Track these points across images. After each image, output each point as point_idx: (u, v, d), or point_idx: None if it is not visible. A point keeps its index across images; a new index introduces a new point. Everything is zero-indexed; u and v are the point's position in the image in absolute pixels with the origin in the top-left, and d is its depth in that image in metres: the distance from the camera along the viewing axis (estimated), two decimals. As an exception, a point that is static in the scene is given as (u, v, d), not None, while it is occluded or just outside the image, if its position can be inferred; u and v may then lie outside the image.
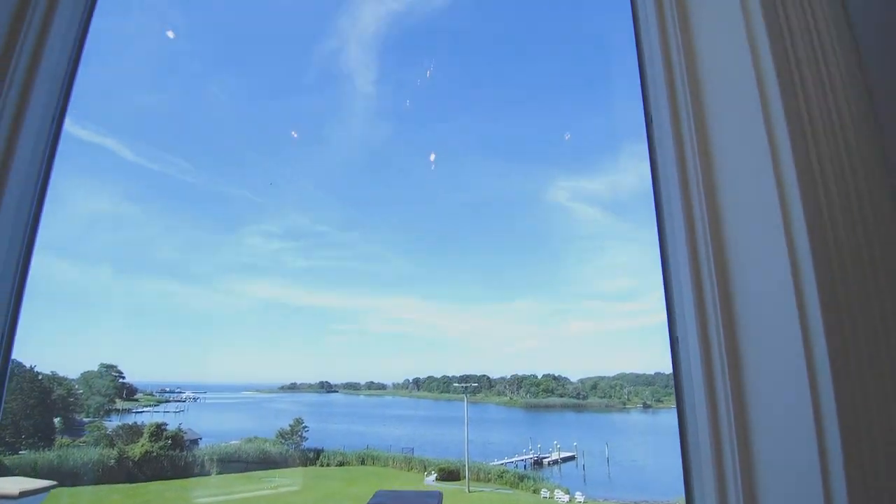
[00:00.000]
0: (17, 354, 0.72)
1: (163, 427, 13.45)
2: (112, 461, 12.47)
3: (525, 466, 16.33)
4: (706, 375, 0.67)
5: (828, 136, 0.60)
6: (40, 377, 15.24)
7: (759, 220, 0.63)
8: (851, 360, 0.51)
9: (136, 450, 12.76)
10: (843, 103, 0.60)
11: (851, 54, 0.63)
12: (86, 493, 12.01)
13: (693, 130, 0.74)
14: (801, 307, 0.55)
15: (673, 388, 0.79)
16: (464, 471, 14.12)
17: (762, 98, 0.62)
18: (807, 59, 0.62)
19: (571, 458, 17.49)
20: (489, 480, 14.09)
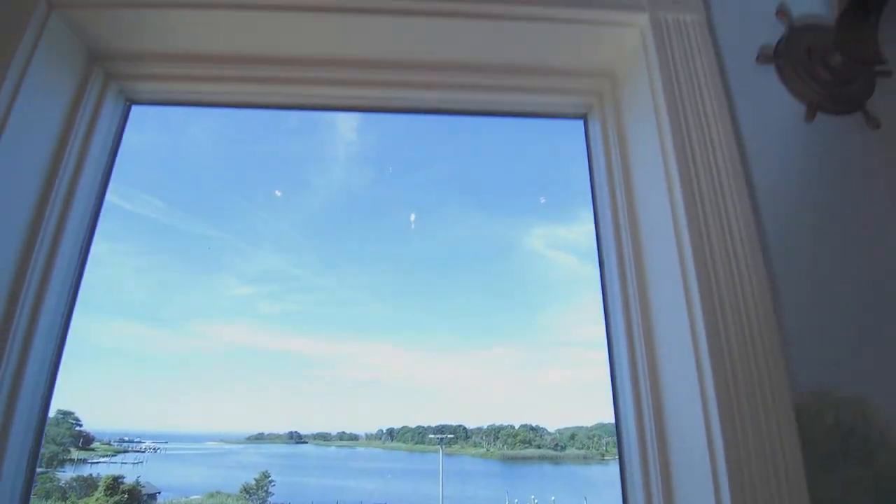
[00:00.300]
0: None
1: (119, 480, 12.71)
2: (63, 517, 11.64)
3: (501, 523, 15.80)
4: (639, 437, 0.82)
5: (724, 265, 0.77)
6: (-10, 425, 14.28)
7: (677, 344, 0.79)
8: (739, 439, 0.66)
9: (90, 505, 11.99)
10: (745, 271, 0.78)
11: (754, 229, 0.80)
12: (29, 554, 11.07)
13: (633, 273, 0.91)
14: (705, 411, 0.70)
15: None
16: (437, 528, 13.58)
17: (679, 253, 0.79)
18: (714, 227, 0.79)
19: (548, 514, 17.04)
20: (464, 539, 13.56)
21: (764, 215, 0.84)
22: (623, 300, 0.94)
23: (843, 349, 0.78)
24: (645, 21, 0.92)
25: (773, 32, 0.97)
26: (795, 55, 0.93)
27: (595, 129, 1.08)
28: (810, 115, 0.91)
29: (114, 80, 1.01)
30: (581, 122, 1.12)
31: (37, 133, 0.88)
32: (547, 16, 0.91)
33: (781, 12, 0.98)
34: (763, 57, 0.94)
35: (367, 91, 1.03)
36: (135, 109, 1.07)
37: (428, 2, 0.89)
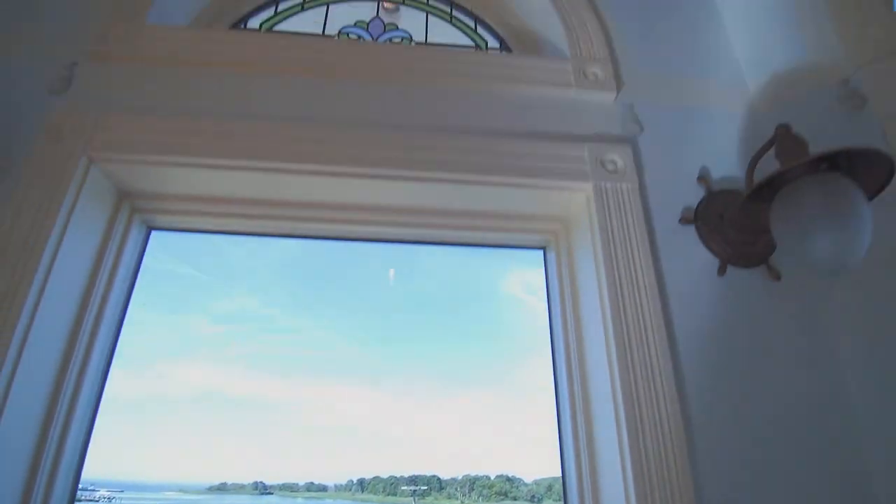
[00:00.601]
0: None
1: (69, 534, 11.98)
2: (4, 578, 10.82)
3: (473, 582, 15.21)
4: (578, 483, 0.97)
5: (644, 379, 0.94)
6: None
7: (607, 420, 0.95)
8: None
9: (34, 562, 11.18)
10: (660, 383, 0.95)
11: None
12: None
13: (578, 378, 1.08)
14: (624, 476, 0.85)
15: None
16: (406, 588, 13.00)
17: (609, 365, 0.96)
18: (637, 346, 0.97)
19: (522, 572, 16.47)
20: None
21: (682, 352, 1.02)
22: (572, 417, 1.10)
23: (742, 472, 0.94)
24: (590, 188, 1.13)
25: (695, 194, 1.19)
26: (711, 218, 1.14)
27: (551, 259, 1.27)
28: (722, 270, 1.11)
29: (138, 212, 1.17)
30: (541, 252, 1.31)
31: (77, 260, 1.03)
32: (517, 183, 1.12)
33: (702, 178, 1.20)
34: (684, 219, 1.15)
35: (356, 227, 1.21)
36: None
37: (413, 171, 1.08)
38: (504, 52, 1.53)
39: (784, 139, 1.04)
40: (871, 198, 0.96)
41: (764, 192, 1.02)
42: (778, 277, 1.13)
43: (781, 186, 0.99)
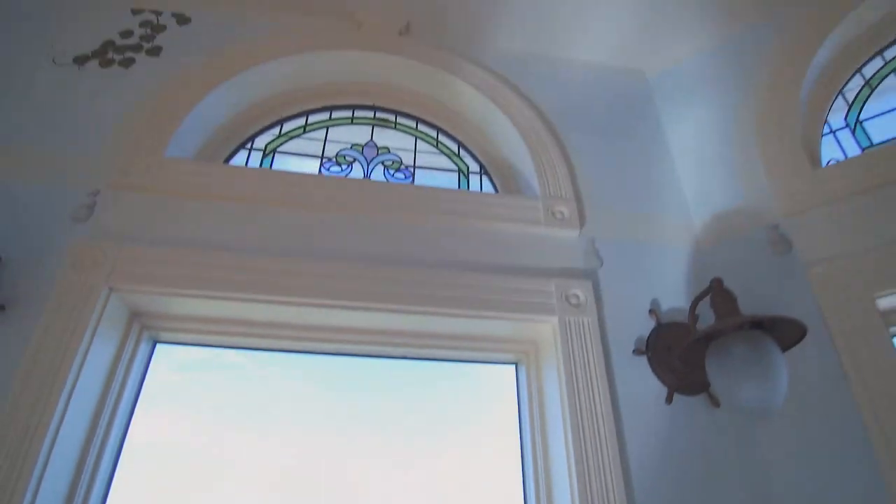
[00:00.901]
0: None
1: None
2: None
3: None
4: None
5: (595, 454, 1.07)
6: None
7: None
8: None
9: None
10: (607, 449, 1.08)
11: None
12: None
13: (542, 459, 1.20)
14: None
15: None
16: None
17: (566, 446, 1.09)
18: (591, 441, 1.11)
19: None
20: None
21: (633, 469, 1.16)
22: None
23: None
24: (555, 321, 1.29)
25: (647, 324, 1.36)
26: (660, 350, 1.31)
27: (522, 375, 1.41)
28: (669, 399, 1.27)
29: (146, 329, 1.28)
30: (514, 367, 1.45)
31: (94, 376, 1.13)
32: (495, 316, 1.28)
33: (653, 311, 1.37)
34: (637, 351, 1.31)
35: (346, 346, 1.34)
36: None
37: (401, 305, 1.22)
38: (483, 192, 1.63)
39: (717, 292, 1.22)
40: (785, 350, 1.14)
41: (701, 338, 1.19)
42: (717, 404, 1.29)
43: (715, 336, 1.17)
